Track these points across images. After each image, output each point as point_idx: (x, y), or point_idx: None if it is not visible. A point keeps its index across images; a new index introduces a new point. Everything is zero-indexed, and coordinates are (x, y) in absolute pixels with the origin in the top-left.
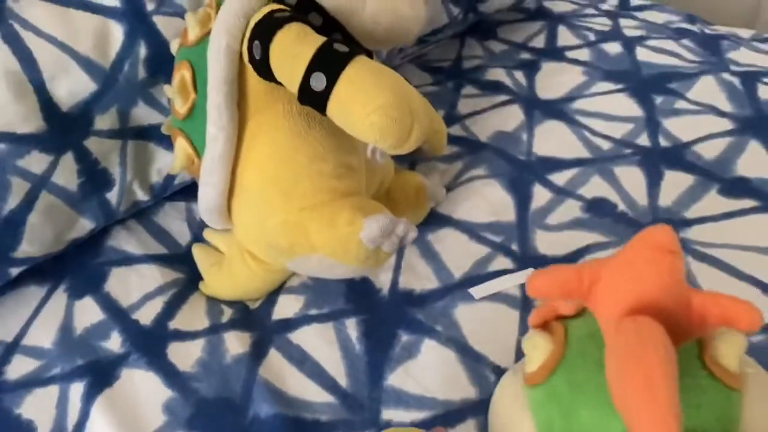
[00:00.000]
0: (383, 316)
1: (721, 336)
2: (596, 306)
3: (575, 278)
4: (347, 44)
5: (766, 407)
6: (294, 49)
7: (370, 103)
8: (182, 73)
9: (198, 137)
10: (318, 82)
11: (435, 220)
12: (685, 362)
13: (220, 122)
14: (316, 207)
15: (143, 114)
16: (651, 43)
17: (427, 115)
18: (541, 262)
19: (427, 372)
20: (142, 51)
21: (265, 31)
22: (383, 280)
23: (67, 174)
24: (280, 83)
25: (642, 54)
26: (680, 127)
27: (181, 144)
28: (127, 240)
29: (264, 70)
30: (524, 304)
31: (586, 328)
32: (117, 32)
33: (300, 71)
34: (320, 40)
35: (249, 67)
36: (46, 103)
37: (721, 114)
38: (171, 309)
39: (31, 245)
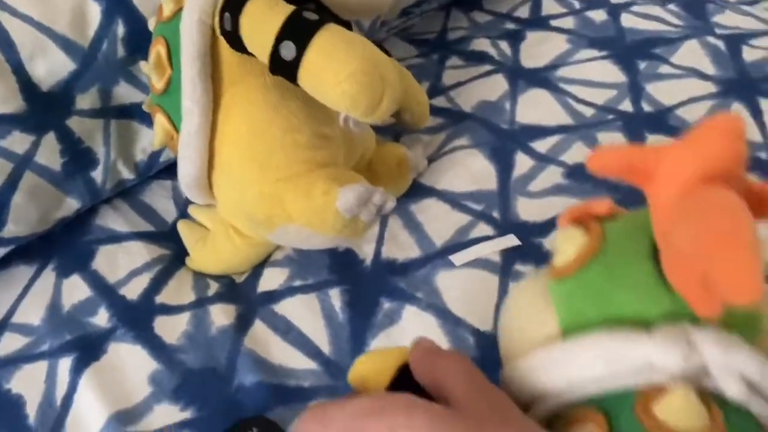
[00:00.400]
0: (366, 286)
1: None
2: (656, 188)
3: (641, 156)
4: (321, 14)
5: None
6: (263, 18)
7: (341, 71)
8: (158, 49)
9: (175, 112)
10: (287, 51)
11: (418, 190)
12: None
13: (194, 96)
14: (291, 178)
15: (124, 92)
16: (636, 9)
17: (400, 82)
18: (521, 228)
19: (408, 337)
20: (120, 29)
21: (234, 2)
22: (366, 251)
23: (49, 154)
24: (252, 55)
25: (627, 20)
26: (663, 92)
27: (159, 120)
28: (113, 218)
29: (235, 41)
30: (504, 269)
31: (623, 225)
32: (94, 11)
33: (269, 40)
34: (289, 8)
35: (222, 40)
36: (26, 84)
37: (705, 77)
38: (157, 284)
39: (16, 225)
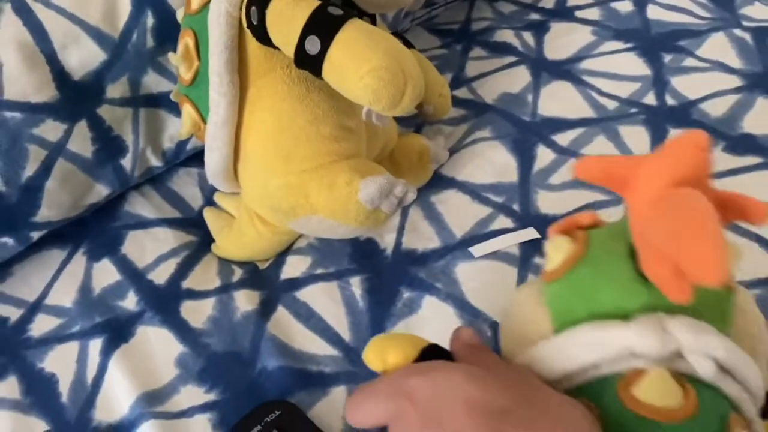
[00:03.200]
0: (386, 275)
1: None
2: (634, 194)
3: (620, 166)
4: (348, 8)
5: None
6: (289, 13)
7: (363, 66)
8: (186, 41)
9: (203, 103)
10: (312, 45)
11: (439, 182)
12: None
13: (221, 88)
14: (315, 169)
15: (153, 82)
16: (663, 0)
17: (422, 76)
18: (542, 221)
19: (427, 326)
20: (150, 20)
21: None
22: (387, 241)
23: (81, 141)
24: (278, 48)
25: (653, 12)
26: (688, 85)
27: (187, 110)
28: (142, 205)
29: (262, 35)
30: (522, 262)
31: (605, 232)
32: (125, 3)
33: (295, 35)
34: (314, 3)
35: (249, 33)
36: (59, 73)
37: (730, 71)
38: (184, 270)
39: (49, 210)
